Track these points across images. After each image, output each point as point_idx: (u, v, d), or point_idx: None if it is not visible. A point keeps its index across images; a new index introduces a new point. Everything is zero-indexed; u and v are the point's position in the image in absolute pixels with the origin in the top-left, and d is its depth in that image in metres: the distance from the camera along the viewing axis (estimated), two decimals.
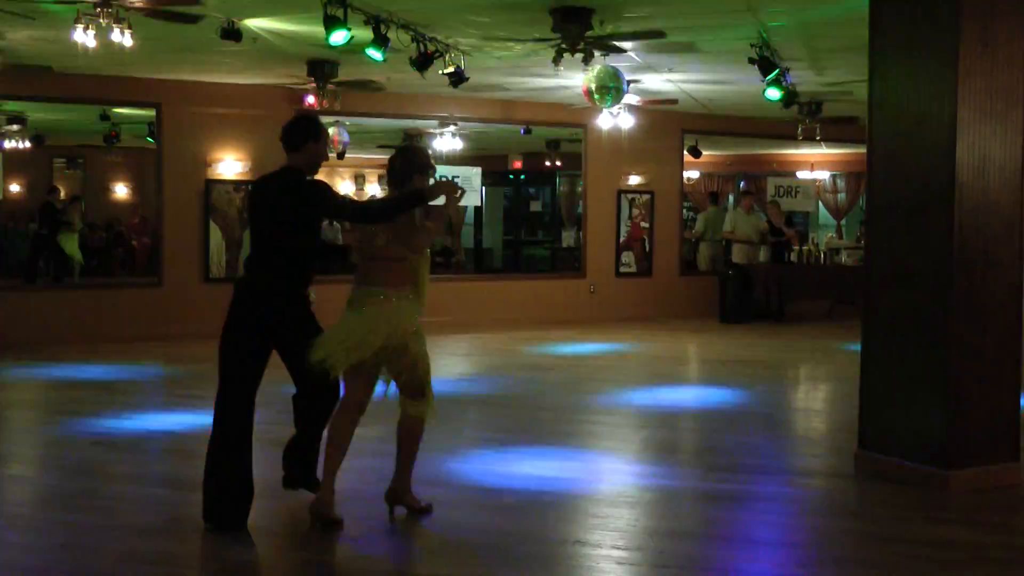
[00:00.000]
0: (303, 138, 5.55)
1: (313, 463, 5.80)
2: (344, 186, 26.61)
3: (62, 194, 18.72)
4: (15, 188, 21.33)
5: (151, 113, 13.73)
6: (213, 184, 13.45)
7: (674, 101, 14.22)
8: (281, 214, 5.44)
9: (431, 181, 5.61)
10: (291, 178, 5.51)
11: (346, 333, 5.41)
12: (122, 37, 8.45)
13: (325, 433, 5.59)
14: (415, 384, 5.58)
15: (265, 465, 7.06)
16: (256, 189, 5.79)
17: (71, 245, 17.14)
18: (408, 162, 5.62)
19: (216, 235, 13.41)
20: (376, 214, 5.57)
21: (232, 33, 9.34)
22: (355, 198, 5.24)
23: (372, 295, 5.45)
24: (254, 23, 9.53)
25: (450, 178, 14.75)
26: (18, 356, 11.48)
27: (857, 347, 6.70)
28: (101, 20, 8.31)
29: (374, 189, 26.76)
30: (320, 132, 5.62)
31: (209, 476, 5.39)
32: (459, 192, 5.49)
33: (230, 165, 13.56)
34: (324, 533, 5.33)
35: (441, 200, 5.49)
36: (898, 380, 6.32)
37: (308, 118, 5.73)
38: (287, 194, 5.44)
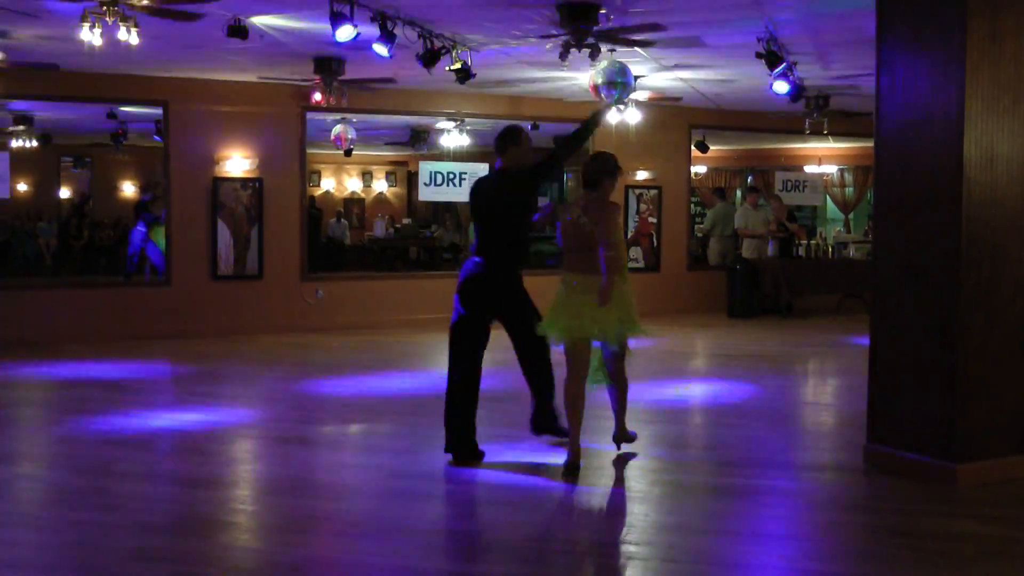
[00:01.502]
0: (506, 143, 6.85)
1: (552, 410, 7.04)
2: (351, 183, 26.64)
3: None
4: (22, 187, 21.38)
5: (158, 111, 13.76)
6: (221, 182, 13.46)
7: (680, 97, 14.22)
8: (499, 207, 6.75)
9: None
10: (502, 177, 6.88)
11: (563, 314, 6.45)
12: (128, 35, 8.45)
13: (561, 400, 6.63)
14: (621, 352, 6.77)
15: (274, 462, 7.09)
16: (477, 187, 7.08)
17: (159, 236, 17.09)
18: (599, 166, 6.58)
19: (224, 233, 13.43)
20: (558, 158, 7.09)
21: (238, 30, 9.35)
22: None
23: (581, 280, 6.41)
24: (260, 20, 9.53)
25: (457, 173, 14.92)
26: (27, 354, 11.52)
27: (865, 341, 6.69)
28: (107, 18, 8.31)
29: (381, 186, 26.80)
30: (519, 138, 6.86)
31: (452, 418, 6.79)
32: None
33: (237, 163, 13.57)
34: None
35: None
36: (906, 374, 6.31)
37: (510, 128, 6.96)
38: (502, 188, 6.80)
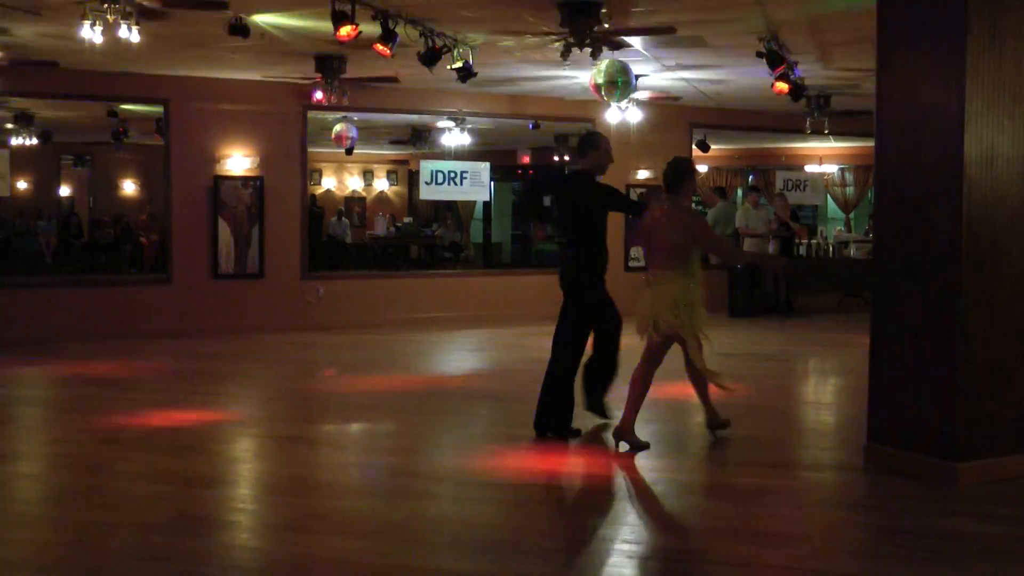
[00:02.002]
0: (586, 147, 7.29)
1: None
2: (352, 181, 26.64)
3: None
4: (23, 185, 21.36)
5: (159, 109, 13.75)
6: (222, 180, 13.46)
7: (680, 96, 14.21)
8: (570, 207, 7.19)
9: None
10: (580, 179, 7.36)
11: (645, 308, 6.82)
12: (129, 33, 8.43)
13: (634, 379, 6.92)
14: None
15: (274, 461, 7.10)
16: (559, 186, 7.76)
17: None
18: (677, 172, 6.89)
19: (225, 231, 13.42)
20: (623, 209, 7.83)
21: (240, 29, 9.34)
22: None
23: (658, 277, 6.79)
24: (262, 19, 9.53)
25: (458, 172, 14.89)
26: (27, 354, 11.52)
27: (866, 340, 6.69)
28: (108, 16, 8.30)
29: (382, 184, 26.80)
30: (598, 142, 7.32)
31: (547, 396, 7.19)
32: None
33: (238, 161, 13.57)
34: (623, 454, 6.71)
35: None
36: (907, 373, 6.30)
37: (591, 133, 7.54)
38: (578, 191, 7.22)
